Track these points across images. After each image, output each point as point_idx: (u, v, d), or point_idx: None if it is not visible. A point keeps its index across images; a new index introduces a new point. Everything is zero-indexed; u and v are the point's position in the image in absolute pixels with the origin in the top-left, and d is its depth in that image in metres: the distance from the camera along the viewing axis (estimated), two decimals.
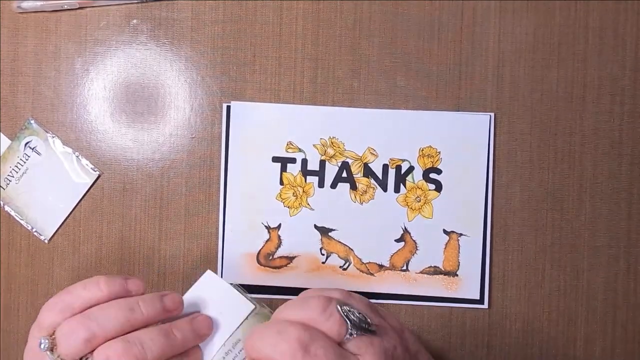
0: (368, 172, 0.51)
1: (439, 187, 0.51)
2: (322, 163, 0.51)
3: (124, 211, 0.51)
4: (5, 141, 0.51)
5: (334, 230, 0.51)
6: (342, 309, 0.33)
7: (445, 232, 0.51)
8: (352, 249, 0.51)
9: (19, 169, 0.50)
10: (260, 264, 0.51)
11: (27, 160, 0.51)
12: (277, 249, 0.51)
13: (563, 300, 0.51)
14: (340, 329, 0.32)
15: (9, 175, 0.50)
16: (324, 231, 0.51)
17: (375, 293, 0.51)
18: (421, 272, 0.51)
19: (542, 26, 0.51)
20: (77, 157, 0.51)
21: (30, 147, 0.51)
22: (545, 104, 0.51)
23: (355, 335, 0.32)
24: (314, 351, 0.31)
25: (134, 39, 0.51)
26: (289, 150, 0.51)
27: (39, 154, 0.51)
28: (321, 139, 0.51)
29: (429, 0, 0.51)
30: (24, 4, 0.50)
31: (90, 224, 0.51)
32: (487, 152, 0.51)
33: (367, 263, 0.51)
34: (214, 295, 0.40)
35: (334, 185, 0.51)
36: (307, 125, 0.51)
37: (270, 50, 0.51)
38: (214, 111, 0.51)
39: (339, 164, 0.51)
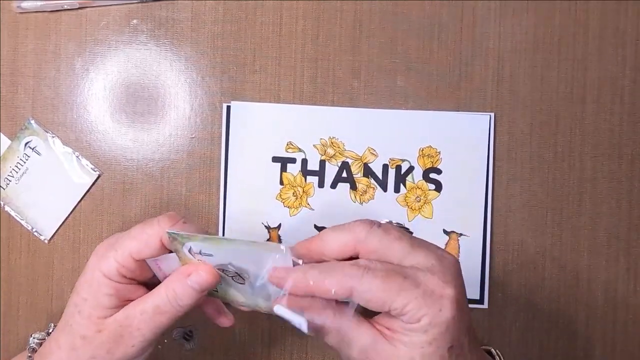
0: (368, 172, 0.51)
1: (439, 187, 0.51)
2: (322, 163, 0.51)
3: (124, 211, 0.51)
4: (5, 141, 0.51)
5: None
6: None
7: (445, 232, 0.51)
8: None
9: (19, 169, 0.50)
10: None
11: (27, 160, 0.51)
12: None
13: (563, 300, 0.51)
14: None
15: (9, 175, 0.50)
16: None
17: None
18: None
19: (542, 26, 0.51)
20: (77, 157, 0.51)
21: (30, 147, 0.51)
22: (545, 104, 0.51)
23: None
24: (377, 228, 0.35)
25: (134, 39, 0.51)
26: (289, 150, 0.51)
27: (39, 154, 0.51)
28: (321, 139, 0.51)
29: (429, 1, 0.51)
30: (24, 4, 0.50)
31: (90, 224, 0.51)
32: (487, 152, 0.51)
33: None
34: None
35: (334, 185, 0.51)
36: (307, 125, 0.51)
37: (270, 50, 0.51)
38: (214, 111, 0.51)
39: (339, 164, 0.51)
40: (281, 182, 0.51)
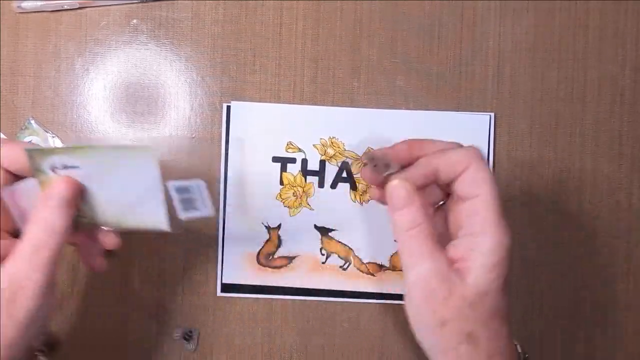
0: None
1: None
2: (322, 163, 0.51)
3: None
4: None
5: (334, 230, 0.51)
6: None
7: None
8: (352, 249, 0.51)
9: None
10: (260, 264, 0.51)
11: None
12: (277, 249, 0.51)
13: (563, 300, 0.51)
14: None
15: None
16: (324, 231, 0.51)
17: (375, 293, 0.51)
18: None
19: (542, 26, 0.51)
20: None
21: None
22: (545, 104, 0.51)
23: None
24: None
25: (134, 39, 0.51)
26: (289, 150, 0.51)
27: None
28: (321, 139, 0.51)
29: (429, 1, 0.51)
30: (24, 4, 0.50)
31: None
32: (487, 152, 0.51)
33: (367, 263, 0.51)
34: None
35: (334, 185, 0.51)
36: (307, 125, 0.51)
37: (270, 50, 0.51)
38: (214, 111, 0.51)
39: (339, 164, 0.51)
40: (281, 182, 0.51)
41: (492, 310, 0.35)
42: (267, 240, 0.51)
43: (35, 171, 0.34)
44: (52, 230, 0.35)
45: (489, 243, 0.35)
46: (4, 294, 0.33)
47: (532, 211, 0.51)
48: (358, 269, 0.51)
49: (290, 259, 0.51)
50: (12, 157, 0.35)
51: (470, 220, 0.36)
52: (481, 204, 0.36)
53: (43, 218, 0.35)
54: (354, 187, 0.51)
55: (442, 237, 0.38)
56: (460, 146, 0.39)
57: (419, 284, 0.36)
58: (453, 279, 0.35)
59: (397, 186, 0.37)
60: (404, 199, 0.37)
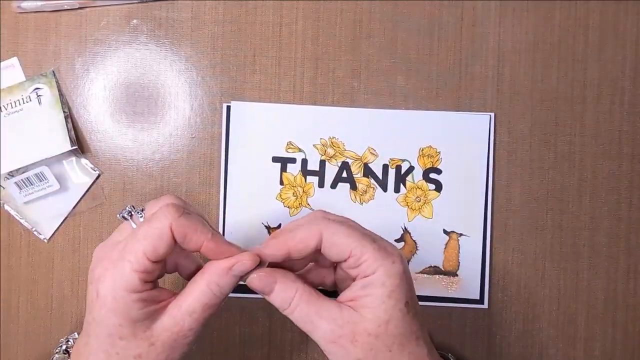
0: (368, 172, 0.51)
1: (439, 187, 0.51)
2: (322, 163, 0.51)
3: None
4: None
5: None
6: None
7: (445, 232, 0.51)
8: None
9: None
10: None
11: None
12: None
13: (563, 300, 0.51)
14: None
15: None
16: None
17: None
18: (421, 272, 0.51)
19: (542, 26, 0.51)
20: (77, 156, 0.51)
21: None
22: (545, 104, 0.51)
23: None
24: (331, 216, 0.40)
25: (134, 39, 0.51)
26: (289, 150, 0.51)
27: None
28: (321, 139, 0.51)
29: (429, 0, 0.51)
30: (24, 4, 0.50)
31: (90, 223, 0.51)
32: (487, 152, 0.51)
33: None
34: None
35: (334, 185, 0.51)
36: (307, 125, 0.51)
37: (270, 50, 0.51)
38: (214, 111, 0.51)
39: (339, 164, 0.51)
40: (281, 182, 0.51)
41: (403, 335, 0.36)
42: None
43: None
44: (223, 294, 0.37)
45: (378, 278, 0.36)
46: (167, 339, 0.36)
47: (532, 211, 0.51)
48: None
49: None
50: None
51: (359, 269, 0.37)
52: (359, 256, 0.36)
53: (217, 284, 0.37)
54: (354, 187, 0.51)
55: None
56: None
57: (324, 341, 0.36)
58: (352, 319, 0.36)
59: (250, 280, 0.38)
60: (261, 284, 0.38)
